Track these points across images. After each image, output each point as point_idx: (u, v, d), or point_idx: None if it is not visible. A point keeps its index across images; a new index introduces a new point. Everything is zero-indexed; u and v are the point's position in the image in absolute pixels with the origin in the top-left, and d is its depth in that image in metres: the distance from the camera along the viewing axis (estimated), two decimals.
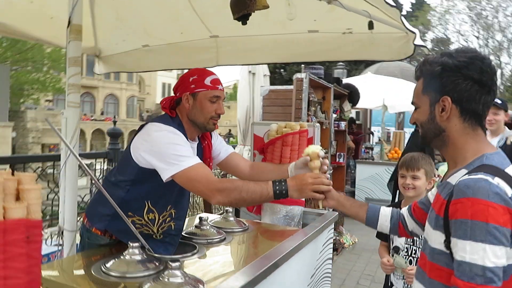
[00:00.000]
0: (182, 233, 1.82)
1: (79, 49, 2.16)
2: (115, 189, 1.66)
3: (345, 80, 5.71)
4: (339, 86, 4.85)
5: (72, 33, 2.10)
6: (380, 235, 2.22)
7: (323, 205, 1.64)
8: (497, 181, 0.98)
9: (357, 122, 7.90)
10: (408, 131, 8.45)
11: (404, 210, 1.52)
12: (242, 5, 1.79)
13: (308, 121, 3.71)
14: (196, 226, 1.87)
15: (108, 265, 1.40)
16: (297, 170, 1.81)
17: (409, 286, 2.03)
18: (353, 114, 7.58)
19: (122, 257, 1.42)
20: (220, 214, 2.14)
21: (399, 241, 2.10)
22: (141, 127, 1.70)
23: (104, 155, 3.79)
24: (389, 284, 2.14)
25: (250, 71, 5.53)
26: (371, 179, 6.42)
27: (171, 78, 52.66)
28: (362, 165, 6.57)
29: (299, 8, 2.32)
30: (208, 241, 1.77)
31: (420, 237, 2.04)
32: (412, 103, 1.24)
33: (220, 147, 1.97)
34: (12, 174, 0.90)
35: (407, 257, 2.06)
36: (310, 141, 2.43)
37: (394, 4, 1.87)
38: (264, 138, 2.58)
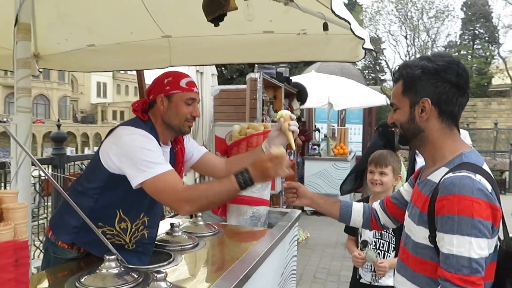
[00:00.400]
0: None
1: (28, 50, 2.01)
2: (83, 198, 1.57)
3: (292, 79, 5.82)
4: (289, 85, 4.95)
5: (20, 33, 1.95)
6: (348, 230, 2.30)
7: (297, 204, 1.67)
8: (479, 178, 1.06)
9: (302, 119, 8.12)
10: (350, 127, 8.84)
11: (376, 205, 1.59)
12: (217, 6, 1.77)
13: (263, 120, 3.74)
14: (167, 233, 1.82)
15: (83, 280, 1.32)
16: (272, 140, 1.83)
17: (377, 278, 2.11)
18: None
19: (98, 271, 1.34)
20: (190, 219, 2.10)
21: (368, 235, 2.17)
22: (111, 131, 1.62)
23: (48, 161, 3.54)
24: (357, 277, 2.20)
25: (197, 71, 5.45)
26: (319, 174, 6.63)
27: (106, 77, 50.48)
28: (310, 162, 6.76)
29: (255, 9, 2.33)
30: (182, 247, 1.73)
31: (388, 231, 2.14)
32: (391, 104, 1.29)
33: (193, 149, 1.93)
34: None
35: (376, 250, 2.13)
36: None
37: (343, 17, 1.90)
38: (226, 139, 2.57)
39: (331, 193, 6.53)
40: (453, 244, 1.02)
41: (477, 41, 33.69)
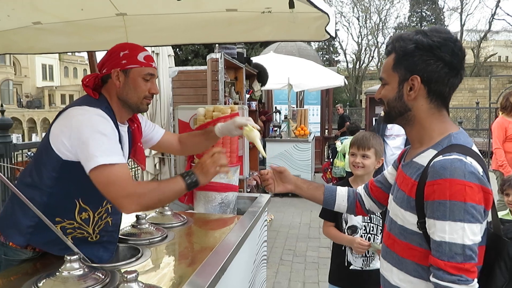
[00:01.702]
0: (119, 235, 1.64)
1: None
2: (34, 192, 1.40)
3: (253, 60, 5.71)
4: (250, 66, 4.84)
5: None
6: (324, 215, 2.16)
7: (280, 191, 1.60)
8: (470, 160, 1.02)
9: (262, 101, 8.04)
10: (308, 108, 8.89)
11: (361, 189, 1.55)
12: None
13: (225, 103, 3.63)
14: (133, 226, 1.70)
15: (41, 285, 1.19)
16: (227, 130, 1.84)
17: (368, 262, 2.06)
18: None
19: (58, 273, 1.21)
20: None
21: (356, 220, 2.09)
22: (60, 113, 1.45)
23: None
24: (346, 264, 2.10)
25: (153, 51, 5.21)
26: (281, 156, 6.63)
27: (52, 59, 47.77)
28: (271, 143, 6.74)
29: None
30: (150, 241, 1.62)
31: (376, 214, 2.10)
32: (380, 78, 1.22)
33: (152, 132, 1.84)
34: None
35: (366, 235, 2.07)
36: None
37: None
38: (190, 123, 2.44)
39: (293, 174, 6.52)
40: (446, 231, 0.99)
41: (424, 23, 34.96)
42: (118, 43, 1.57)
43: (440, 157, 1.05)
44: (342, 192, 1.55)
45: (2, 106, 4.26)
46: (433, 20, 34.83)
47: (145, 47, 1.67)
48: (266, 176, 1.58)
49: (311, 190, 1.55)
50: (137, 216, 1.72)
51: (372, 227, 2.08)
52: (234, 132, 1.82)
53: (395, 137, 3.85)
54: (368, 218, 2.09)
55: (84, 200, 1.44)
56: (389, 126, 3.70)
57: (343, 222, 2.12)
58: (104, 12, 2.76)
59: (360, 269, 2.07)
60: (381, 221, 2.08)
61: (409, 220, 1.12)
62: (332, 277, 2.19)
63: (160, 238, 1.66)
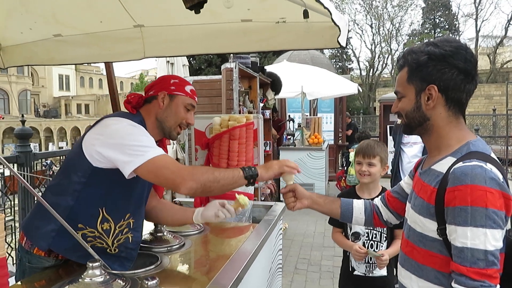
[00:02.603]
0: None
1: None
2: (61, 197, 1.45)
3: (267, 69, 5.75)
4: (264, 74, 4.88)
5: None
6: (332, 221, 2.22)
7: (297, 208, 1.59)
8: (490, 166, 1.02)
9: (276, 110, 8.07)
10: (322, 116, 8.88)
11: (377, 201, 1.55)
12: None
13: (240, 112, 3.66)
14: (151, 234, 1.72)
15: None
16: (206, 211, 1.65)
17: (371, 269, 2.08)
18: None
19: (80, 280, 1.24)
20: None
21: (359, 227, 2.11)
22: (96, 123, 1.53)
23: (13, 160, 3.33)
24: (350, 269, 2.15)
25: (168, 61, 5.30)
26: None
27: (68, 69, 48.72)
28: (285, 152, 6.74)
29: None
30: (168, 248, 1.64)
31: None
32: (396, 92, 1.24)
33: None
34: None
35: (368, 241, 2.10)
36: (255, 133, 2.39)
37: (326, 7, 1.85)
38: (206, 132, 2.47)
39: (307, 183, 6.56)
40: (467, 237, 0.99)
41: (438, 29, 34.70)
42: (170, 74, 1.66)
43: (460, 164, 1.05)
44: (358, 205, 1.56)
45: (22, 116, 4.37)
46: (447, 27, 34.56)
47: (165, 57, 1.73)
48: (288, 194, 1.57)
49: (328, 205, 1.56)
50: (155, 225, 1.75)
51: (375, 234, 2.10)
52: (210, 214, 1.65)
53: (412, 145, 3.82)
54: None
55: (107, 210, 1.48)
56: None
57: (348, 228, 2.16)
58: (122, 24, 2.83)
59: (363, 275, 2.10)
60: (384, 229, 2.09)
61: (428, 227, 1.12)
62: (340, 282, 2.25)
63: (178, 246, 1.68)
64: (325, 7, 1.78)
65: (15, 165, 3.39)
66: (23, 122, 3.75)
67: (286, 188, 1.58)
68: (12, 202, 3.67)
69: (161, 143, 1.70)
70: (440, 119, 1.16)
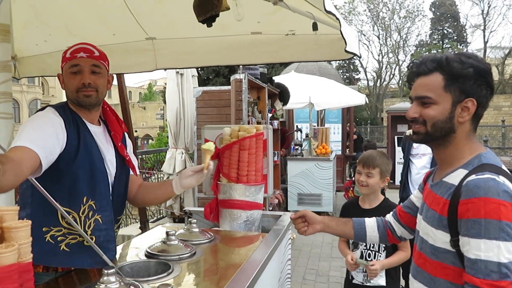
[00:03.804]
0: (149, 250, 1.69)
1: (8, 52, 1.91)
2: (22, 211, 1.45)
3: (275, 79, 5.81)
4: (272, 85, 4.92)
5: None
6: None
7: (310, 233, 1.61)
8: (502, 179, 1.04)
9: (280, 119, 8.11)
10: (329, 126, 8.90)
11: (390, 217, 1.56)
12: (210, 6, 1.71)
13: (249, 122, 3.70)
14: (163, 242, 1.75)
15: None
16: (184, 179, 1.74)
17: (369, 278, 2.12)
18: None
19: (96, 287, 1.26)
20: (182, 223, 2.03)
21: None
22: None
23: None
24: (350, 277, 2.22)
25: (178, 72, 5.38)
26: (302, 175, 6.62)
27: None
28: (293, 162, 6.75)
29: (244, 9, 2.29)
30: (180, 257, 1.66)
31: None
32: (421, 97, 1.18)
33: (133, 160, 1.81)
34: None
35: (366, 251, 2.14)
36: (265, 144, 2.41)
37: (338, 17, 1.88)
38: (216, 142, 2.50)
39: (315, 193, 6.55)
40: (481, 249, 1.00)
41: (446, 40, 34.68)
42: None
43: (473, 176, 1.06)
44: (370, 223, 1.56)
45: None
46: (455, 38, 34.54)
47: (176, 68, 1.75)
48: (299, 221, 1.59)
49: (340, 227, 1.57)
50: (166, 233, 1.77)
51: (373, 244, 2.11)
52: (188, 181, 1.75)
53: (421, 156, 3.80)
54: None
55: (63, 202, 1.44)
56: (415, 145, 3.67)
57: None
58: (135, 37, 2.90)
59: (361, 284, 2.14)
60: None
61: (441, 238, 1.13)
62: None
63: (189, 254, 1.70)
64: (336, 18, 1.82)
65: None
66: None
67: (296, 214, 1.59)
68: None
69: (109, 121, 1.69)
70: (463, 133, 1.16)
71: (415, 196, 1.44)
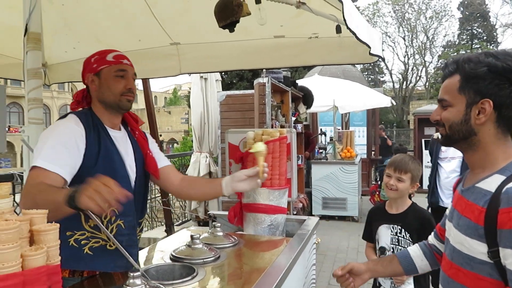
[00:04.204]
0: (174, 253, 1.70)
1: (39, 60, 1.97)
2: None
3: (298, 83, 5.79)
4: (296, 89, 4.91)
5: (30, 42, 1.91)
6: (365, 236, 2.25)
7: (359, 285, 1.51)
8: None
9: (304, 123, 8.07)
10: (354, 129, 8.79)
11: (433, 240, 1.48)
12: (230, 12, 1.73)
13: (272, 126, 3.69)
14: (188, 245, 1.76)
15: None
16: (236, 183, 1.68)
17: (396, 285, 2.07)
18: None
19: None
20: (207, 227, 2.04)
21: (385, 242, 2.13)
22: None
23: None
24: (377, 284, 2.17)
25: (202, 76, 5.43)
26: (327, 178, 6.56)
27: None
28: (317, 166, 6.69)
29: (267, 13, 2.29)
30: (204, 260, 1.67)
31: (405, 237, 2.08)
32: (441, 100, 1.17)
33: (157, 154, 1.80)
34: None
35: None
36: (289, 147, 2.40)
37: (353, 31, 1.83)
38: (239, 146, 2.51)
39: (339, 197, 6.48)
40: None
41: (475, 40, 33.74)
42: (91, 55, 1.65)
43: None
44: (416, 253, 1.48)
45: None
46: (485, 38, 33.56)
47: (200, 73, 1.76)
48: (343, 278, 1.48)
49: (388, 267, 1.49)
50: (191, 237, 1.78)
51: (400, 249, 2.06)
52: (241, 186, 1.69)
53: (450, 159, 3.69)
54: (396, 240, 2.08)
55: None
56: (443, 148, 3.56)
57: (376, 243, 2.16)
58: (160, 42, 2.95)
59: None
60: (411, 244, 2.03)
61: (476, 248, 1.06)
62: None
63: (213, 258, 1.70)
64: (351, 31, 1.78)
65: None
66: None
67: (342, 271, 1.47)
68: None
69: (134, 129, 1.71)
70: (488, 136, 1.10)
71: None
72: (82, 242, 1.48)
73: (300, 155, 4.98)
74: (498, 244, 1.00)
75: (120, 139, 1.64)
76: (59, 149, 1.41)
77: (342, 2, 1.38)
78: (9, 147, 32.03)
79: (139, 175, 1.68)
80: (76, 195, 1.15)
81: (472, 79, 1.09)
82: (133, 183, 1.64)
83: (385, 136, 10.50)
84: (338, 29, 2.33)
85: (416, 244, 1.52)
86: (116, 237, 1.51)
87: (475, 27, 34.19)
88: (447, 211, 1.36)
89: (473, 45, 32.90)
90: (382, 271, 1.50)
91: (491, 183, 1.07)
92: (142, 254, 1.79)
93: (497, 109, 1.07)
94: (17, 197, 3.29)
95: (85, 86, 1.66)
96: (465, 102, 1.11)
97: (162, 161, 1.81)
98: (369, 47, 2.09)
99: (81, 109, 1.61)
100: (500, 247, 0.99)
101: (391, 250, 2.09)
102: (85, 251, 1.50)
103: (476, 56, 1.10)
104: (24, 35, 1.87)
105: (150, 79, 3.77)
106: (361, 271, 1.45)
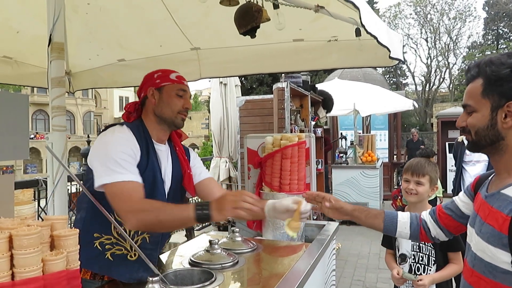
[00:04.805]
0: (192, 258, 1.71)
1: (62, 68, 2.00)
2: (79, 212, 1.54)
3: (318, 87, 5.75)
4: (315, 93, 4.88)
5: (53, 52, 1.95)
6: (386, 243, 2.21)
7: (332, 215, 1.57)
8: None
9: (324, 127, 8.00)
10: (375, 133, 8.67)
11: (426, 215, 1.47)
12: (250, 18, 1.74)
13: (291, 130, 3.68)
14: (206, 250, 1.76)
15: None
16: (277, 213, 1.58)
17: None
18: None
19: None
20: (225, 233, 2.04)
21: (406, 248, 2.08)
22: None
23: (80, 177, 3.57)
24: None
25: (221, 82, 5.46)
26: (347, 183, 6.49)
27: (128, 91, 51.46)
28: (338, 170, 6.63)
29: (285, 18, 2.29)
30: (222, 265, 1.67)
31: (427, 244, 2.04)
32: (465, 105, 1.14)
33: (199, 168, 1.84)
34: None
35: (415, 264, 2.04)
36: (307, 152, 2.39)
37: (373, 34, 1.81)
38: (258, 151, 2.51)
39: (361, 202, 6.39)
40: None
41: (501, 40, 32.86)
42: (153, 70, 1.71)
43: None
44: (404, 219, 1.49)
45: (88, 136, 4.67)
46: (511, 37, 32.67)
47: (219, 77, 1.78)
48: (324, 199, 1.54)
49: (369, 220, 1.51)
50: (210, 242, 1.79)
51: (422, 256, 2.02)
52: (281, 215, 1.59)
53: (475, 163, 3.59)
54: (418, 247, 2.04)
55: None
56: (468, 152, 3.47)
57: (396, 249, 2.12)
58: (180, 47, 2.99)
59: None
60: (433, 251, 2.00)
61: (500, 257, 1.03)
62: None
63: (231, 263, 1.70)
64: (372, 35, 1.77)
65: (81, 182, 3.64)
66: (88, 142, 4.02)
67: (331, 202, 1.53)
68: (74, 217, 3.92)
69: (176, 145, 1.73)
70: None
71: (461, 200, 1.35)
72: (106, 246, 1.51)
73: (320, 160, 4.94)
74: None
75: (163, 152, 1.68)
76: (127, 158, 1.48)
77: (358, 8, 1.37)
78: (36, 154, 32.93)
79: (171, 194, 1.70)
80: (210, 212, 1.35)
81: (495, 82, 1.06)
82: (165, 199, 1.66)
83: (420, 139, 10.34)
84: (358, 32, 2.31)
85: (408, 212, 1.52)
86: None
87: (501, 27, 33.32)
88: (456, 198, 1.35)
89: (499, 45, 32.06)
90: (363, 220, 1.52)
91: None
92: (162, 258, 1.81)
93: None
94: (42, 203, 3.39)
95: (136, 98, 1.71)
96: (490, 106, 1.08)
97: (202, 174, 1.85)
98: (389, 50, 2.06)
99: (134, 121, 1.65)
100: None
101: (412, 257, 2.05)
102: (106, 256, 1.52)
103: (498, 58, 1.07)
104: (48, 45, 1.91)
105: None
106: (346, 211, 1.52)
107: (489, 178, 1.22)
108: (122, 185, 1.41)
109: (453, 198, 1.42)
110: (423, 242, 2.03)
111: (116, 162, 1.43)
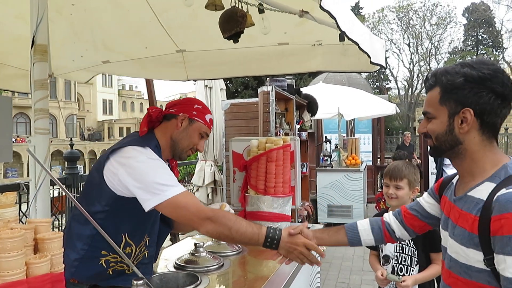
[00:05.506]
0: (177, 262, 1.71)
1: (46, 71, 1.97)
2: (85, 226, 1.47)
3: (303, 91, 5.79)
4: (300, 97, 4.91)
5: (36, 54, 1.92)
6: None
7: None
8: None
9: (308, 131, 8.04)
10: (359, 137, 8.77)
11: (389, 217, 1.50)
12: (235, 23, 1.75)
13: (276, 134, 3.69)
14: (192, 254, 1.76)
15: None
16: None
17: None
18: None
19: None
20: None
21: (389, 250, 2.12)
22: (114, 150, 1.52)
23: (62, 181, 3.51)
24: None
25: (206, 85, 5.44)
26: (332, 186, 6.54)
27: (111, 95, 50.91)
28: (322, 173, 6.67)
29: (270, 22, 2.31)
30: (208, 269, 1.67)
31: (409, 245, 2.08)
32: (425, 113, 1.20)
33: None
34: None
35: (398, 265, 2.08)
36: (292, 155, 2.41)
37: (355, 40, 1.83)
38: (243, 154, 2.51)
39: (345, 204, 6.45)
40: None
41: (481, 46, 33.70)
42: (196, 98, 1.78)
43: (503, 191, 1.01)
44: (364, 226, 1.51)
45: (71, 140, 4.60)
46: (490, 44, 33.50)
47: (205, 80, 1.79)
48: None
49: (333, 237, 1.52)
50: (195, 245, 1.78)
51: (404, 257, 2.07)
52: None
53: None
54: (400, 248, 2.08)
55: (130, 235, 1.52)
56: None
57: (380, 250, 2.16)
58: (166, 50, 2.97)
59: None
60: (415, 252, 2.05)
61: (473, 257, 1.07)
62: None
63: (217, 266, 1.70)
64: (353, 41, 1.79)
65: (64, 186, 3.58)
66: (71, 145, 3.97)
67: (293, 230, 1.52)
68: (60, 221, 3.85)
69: (171, 164, 1.73)
70: (474, 144, 1.12)
71: (426, 201, 1.40)
72: (111, 264, 1.52)
73: (304, 163, 4.97)
74: (493, 251, 1.01)
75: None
76: (169, 172, 1.51)
77: (335, 17, 1.39)
78: (16, 157, 32.23)
79: None
80: (279, 250, 1.47)
81: (451, 90, 1.12)
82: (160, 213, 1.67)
83: (411, 143, 10.46)
84: (342, 37, 2.33)
85: (367, 219, 1.55)
86: (137, 265, 1.55)
87: (480, 33, 34.15)
88: (421, 199, 1.41)
89: (479, 51, 32.86)
90: (327, 240, 1.54)
91: (482, 191, 1.08)
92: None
93: (478, 117, 1.10)
94: (23, 207, 3.32)
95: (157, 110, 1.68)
96: (447, 113, 1.14)
97: None
98: (369, 56, 2.10)
99: (152, 141, 1.61)
100: (495, 254, 1.01)
101: (395, 258, 2.09)
102: (108, 272, 1.53)
103: (453, 68, 1.13)
104: (31, 47, 1.89)
105: (155, 88, 3.79)
106: (309, 236, 1.51)
107: (453, 181, 1.27)
108: (181, 197, 1.42)
109: (417, 199, 1.48)
110: (405, 243, 2.07)
111: (161, 184, 1.42)
